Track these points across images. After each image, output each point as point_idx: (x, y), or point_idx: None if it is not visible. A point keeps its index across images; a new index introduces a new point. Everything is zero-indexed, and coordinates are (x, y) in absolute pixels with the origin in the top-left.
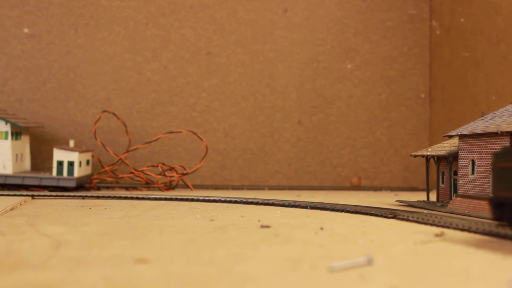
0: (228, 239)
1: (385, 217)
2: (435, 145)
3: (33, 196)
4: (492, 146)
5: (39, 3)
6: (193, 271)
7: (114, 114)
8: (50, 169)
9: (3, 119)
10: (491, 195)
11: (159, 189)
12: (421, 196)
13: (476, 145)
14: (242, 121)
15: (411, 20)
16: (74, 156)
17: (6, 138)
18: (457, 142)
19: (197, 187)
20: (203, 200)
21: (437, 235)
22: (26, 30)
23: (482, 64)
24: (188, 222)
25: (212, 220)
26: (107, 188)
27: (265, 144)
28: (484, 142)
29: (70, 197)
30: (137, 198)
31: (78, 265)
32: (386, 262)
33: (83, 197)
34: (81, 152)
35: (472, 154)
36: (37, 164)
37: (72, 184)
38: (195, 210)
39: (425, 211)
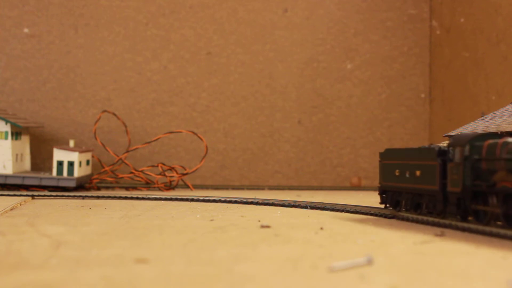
0: (228, 239)
1: (385, 217)
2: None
3: (33, 196)
4: None
5: (39, 3)
6: (193, 271)
7: (114, 114)
8: (50, 169)
9: (3, 119)
10: (378, 185)
11: (159, 189)
12: None
13: None
14: (242, 121)
15: (411, 20)
16: (74, 156)
17: (6, 138)
18: None
19: (197, 187)
20: (203, 200)
21: (437, 235)
22: (26, 30)
23: (482, 64)
24: (188, 222)
25: (212, 220)
26: (107, 188)
27: (265, 144)
28: None
29: (70, 197)
30: (137, 198)
31: (78, 265)
32: (386, 262)
33: (83, 197)
34: (81, 152)
35: None
36: (37, 164)
37: (72, 184)
38: (195, 210)
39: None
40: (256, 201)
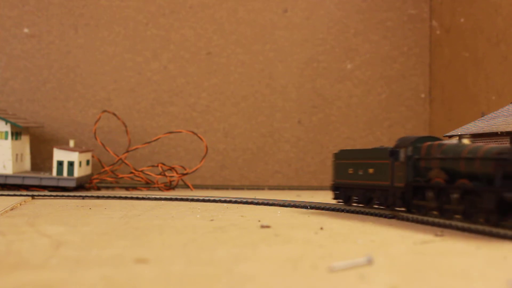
0: (228, 239)
1: (385, 217)
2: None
3: (33, 196)
4: None
5: (39, 3)
6: (193, 271)
7: (114, 114)
8: (50, 169)
9: (3, 119)
10: (332, 182)
11: (159, 189)
12: None
13: None
14: (242, 121)
15: (411, 20)
16: (74, 156)
17: (6, 138)
18: None
19: (197, 187)
20: (203, 200)
21: (437, 235)
22: (26, 30)
23: (482, 64)
24: (188, 222)
25: (212, 220)
26: (107, 188)
27: (265, 144)
28: (484, 142)
29: (70, 197)
30: (137, 198)
31: (78, 265)
32: (386, 262)
33: (83, 197)
34: (81, 152)
35: None
36: (37, 164)
37: (72, 184)
38: (195, 210)
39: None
40: (256, 201)
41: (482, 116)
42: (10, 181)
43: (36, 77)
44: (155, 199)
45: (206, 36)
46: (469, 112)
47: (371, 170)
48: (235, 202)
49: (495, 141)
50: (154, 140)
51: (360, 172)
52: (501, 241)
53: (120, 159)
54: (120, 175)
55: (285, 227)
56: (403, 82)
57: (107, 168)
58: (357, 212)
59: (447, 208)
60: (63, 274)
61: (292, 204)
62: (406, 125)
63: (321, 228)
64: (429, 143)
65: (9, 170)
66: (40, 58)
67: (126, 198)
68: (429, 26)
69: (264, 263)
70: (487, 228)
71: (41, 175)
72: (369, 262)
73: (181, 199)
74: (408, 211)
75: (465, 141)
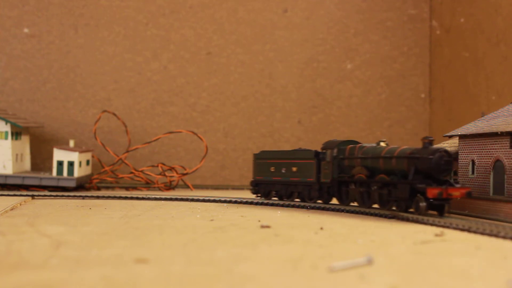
0: (228, 239)
1: (385, 217)
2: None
3: (33, 196)
4: (492, 146)
5: (39, 3)
6: (193, 271)
7: (114, 114)
8: (50, 169)
9: (3, 119)
10: (252, 179)
11: (159, 189)
12: None
13: (476, 145)
14: (242, 121)
15: (411, 20)
16: (74, 156)
17: (6, 138)
18: (457, 142)
19: (197, 187)
20: (203, 200)
21: (437, 235)
22: (26, 30)
23: (482, 64)
24: (188, 222)
25: (212, 220)
26: (107, 188)
27: (265, 144)
28: (484, 142)
29: (70, 197)
30: (137, 198)
31: (78, 265)
32: (386, 262)
33: (83, 197)
34: (81, 152)
35: (472, 154)
36: (37, 164)
37: (72, 184)
38: (195, 210)
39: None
40: (256, 201)
41: (482, 116)
42: (10, 181)
43: (36, 77)
44: (155, 199)
45: (206, 36)
46: (469, 112)
47: (294, 169)
48: (235, 202)
49: (495, 141)
50: (154, 140)
51: (283, 170)
52: (501, 241)
53: (120, 159)
54: (120, 175)
55: (285, 227)
56: (403, 82)
57: (107, 168)
58: (357, 212)
59: (367, 198)
60: (63, 274)
61: (292, 204)
62: (406, 125)
63: (321, 228)
64: (351, 145)
65: (9, 170)
66: (40, 58)
67: (126, 198)
68: (429, 26)
69: (264, 263)
70: (487, 228)
71: (41, 175)
72: (369, 262)
73: (181, 199)
74: (328, 201)
75: (382, 143)
